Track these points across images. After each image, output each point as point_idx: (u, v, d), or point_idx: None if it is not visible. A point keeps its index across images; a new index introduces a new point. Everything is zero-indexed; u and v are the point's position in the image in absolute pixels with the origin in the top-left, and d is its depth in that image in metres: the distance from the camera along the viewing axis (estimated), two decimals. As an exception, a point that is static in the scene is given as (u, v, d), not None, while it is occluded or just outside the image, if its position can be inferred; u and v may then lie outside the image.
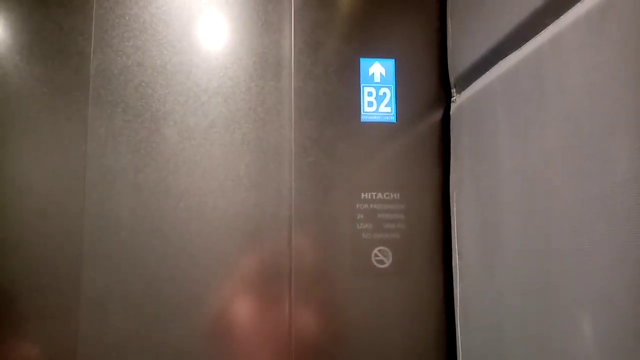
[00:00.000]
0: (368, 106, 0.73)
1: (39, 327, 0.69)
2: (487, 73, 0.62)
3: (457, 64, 0.71)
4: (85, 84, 0.73)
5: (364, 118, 0.73)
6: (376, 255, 0.71)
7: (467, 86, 0.68)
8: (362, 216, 0.72)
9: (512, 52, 0.56)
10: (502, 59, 0.58)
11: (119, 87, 0.74)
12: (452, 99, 0.73)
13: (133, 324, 0.70)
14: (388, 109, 0.74)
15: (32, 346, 0.69)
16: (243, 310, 0.71)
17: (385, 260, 0.71)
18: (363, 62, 0.74)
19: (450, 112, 0.73)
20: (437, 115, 0.74)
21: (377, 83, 0.74)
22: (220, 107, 0.75)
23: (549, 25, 0.48)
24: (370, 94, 0.74)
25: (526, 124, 0.52)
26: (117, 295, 0.70)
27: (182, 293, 0.70)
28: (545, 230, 0.48)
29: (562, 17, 0.46)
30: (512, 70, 0.55)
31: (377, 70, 0.74)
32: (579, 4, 0.43)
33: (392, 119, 0.74)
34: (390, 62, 0.74)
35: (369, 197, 0.72)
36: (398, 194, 0.72)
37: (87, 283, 0.70)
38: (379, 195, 0.72)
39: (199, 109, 0.74)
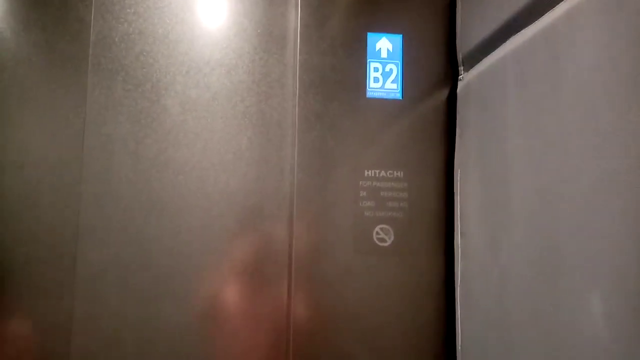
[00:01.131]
0: (374, 82, 0.72)
1: (33, 301, 0.68)
2: (498, 50, 0.61)
3: (466, 41, 0.69)
4: (85, 52, 0.72)
5: (369, 94, 0.72)
6: (378, 233, 0.70)
7: (476, 64, 0.67)
8: (365, 194, 0.71)
9: (524, 28, 0.55)
10: (513, 35, 0.57)
11: (120, 56, 0.72)
12: (459, 77, 0.72)
13: (129, 299, 0.69)
14: (394, 86, 0.72)
15: (26, 321, 0.68)
16: (242, 287, 0.70)
17: (387, 239, 0.70)
18: (370, 37, 0.73)
19: (457, 90, 0.72)
20: (444, 93, 0.73)
21: (383, 59, 0.73)
22: (222, 79, 0.73)
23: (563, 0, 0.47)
24: (376, 69, 0.72)
25: (538, 100, 0.51)
26: (113, 269, 0.69)
27: (179, 269, 0.70)
28: (554, 209, 0.48)
29: (581, -12, 0.44)
30: (525, 47, 0.54)
31: (384, 46, 0.73)
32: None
33: (398, 95, 0.72)
34: (398, 38, 0.73)
35: (373, 174, 0.71)
36: (402, 172, 0.71)
37: (83, 256, 0.69)
38: (383, 173, 0.71)
39: (201, 80, 0.73)
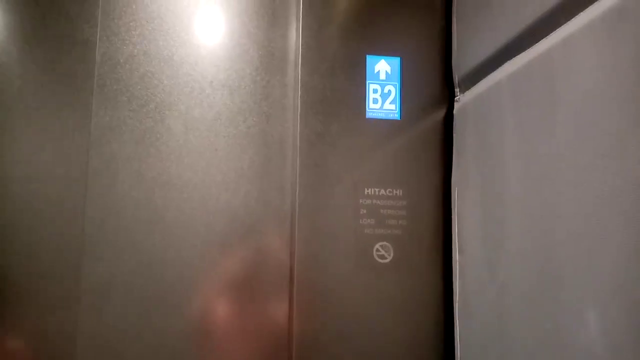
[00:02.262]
0: (373, 103, 0.74)
1: (38, 315, 0.68)
2: (494, 73, 0.63)
3: (462, 63, 0.72)
4: (91, 72, 0.73)
5: (369, 114, 0.74)
6: (378, 250, 0.72)
7: (472, 86, 0.70)
8: (365, 211, 0.72)
9: (521, 53, 0.57)
10: (510, 59, 0.59)
11: (125, 76, 0.74)
12: (455, 98, 0.74)
13: (133, 315, 0.69)
14: (392, 106, 0.75)
15: (31, 335, 0.68)
16: (243, 303, 0.71)
17: (387, 256, 0.72)
18: (369, 59, 0.75)
19: (454, 111, 0.74)
20: (441, 113, 0.75)
21: (382, 80, 0.75)
22: (225, 100, 0.75)
23: (562, 25, 0.49)
24: (375, 90, 0.75)
25: (534, 123, 0.53)
26: (118, 286, 0.70)
27: (182, 284, 0.70)
28: (551, 227, 0.50)
29: (575, 18, 0.47)
30: (522, 70, 0.56)
31: (383, 68, 0.75)
32: (595, 4, 0.44)
33: (397, 116, 0.74)
34: (396, 60, 0.75)
35: (372, 192, 0.73)
36: (401, 191, 0.73)
37: (87, 272, 0.69)
38: (382, 191, 0.73)
39: (204, 100, 0.75)
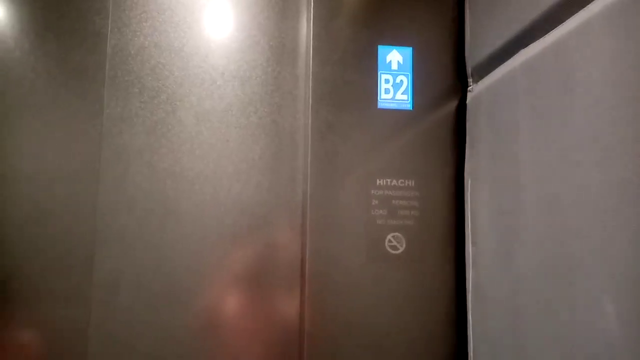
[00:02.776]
0: (385, 93, 0.74)
1: (50, 307, 0.69)
2: (508, 62, 0.63)
3: (475, 52, 0.71)
4: (102, 64, 0.73)
5: (380, 105, 0.74)
6: (390, 241, 0.72)
7: (485, 75, 0.69)
8: (377, 202, 0.72)
9: (534, 41, 0.57)
10: (524, 47, 0.59)
11: (136, 68, 0.74)
12: (468, 88, 0.74)
13: (145, 306, 0.70)
14: (404, 97, 0.74)
15: (43, 329, 0.69)
16: (254, 294, 0.71)
17: (399, 246, 0.72)
18: (381, 49, 0.74)
19: (467, 101, 0.74)
20: (453, 103, 0.75)
21: (394, 70, 0.74)
22: (236, 91, 0.75)
23: (576, 13, 0.49)
24: (387, 81, 0.74)
25: (549, 112, 0.52)
26: (129, 277, 0.70)
27: (193, 277, 0.71)
28: (567, 216, 0.49)
29: (591, 3, 0.46)
30: (536, 58, 0.55)
31: (395, 58, 0.74)
32: (612, -11, 0.43)
33: (409, 106, 0.74)
34: (408, 50, 0.75)
35: (384, 183, 0.72)
36: (413, 181, 0.73)
37: (99, 264, 0.70)
38: (394, 181, 0.73)
39: (215, 92, 0.74)
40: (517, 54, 0.60)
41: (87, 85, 0.73)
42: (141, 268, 0.70)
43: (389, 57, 0.74)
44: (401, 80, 0.74)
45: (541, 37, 0.55)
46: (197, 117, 0.74)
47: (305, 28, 0.76)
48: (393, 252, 0.72)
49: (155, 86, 0.74)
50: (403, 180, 0.73)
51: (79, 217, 0.70)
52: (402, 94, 0.74)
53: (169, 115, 0.73)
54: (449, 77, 0.75)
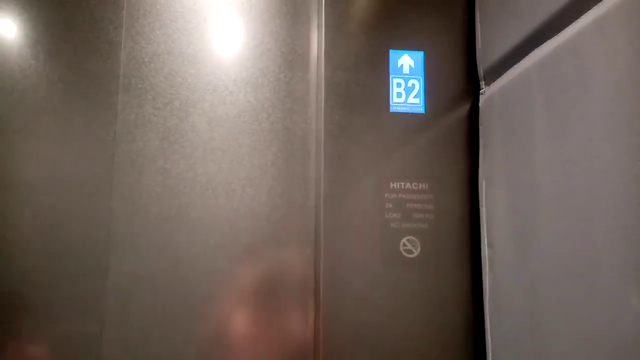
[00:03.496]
0: (397, 97, 0.74)
1: (65, 311, 0.69)
2: (521, 62, 0.63)
3: (487, 55, 0.71)
4: (116, 72, 0.74)
5: (392, 108, 0.74)
6: (405, 245, 0.71)
7: (498, 77, 0.69)
8: (390, 205, 0.72)
9: (549, 39, 0.57)
10: (537, 46, 0.59)
11: (149, 75, 0.74)
12: (480, 91, 0.74)
13: (158, 311, 0.69)
14: (417, 100, 0.74)
15: (58, 332, 0.68)
16: (268, 299, 0.71)
17: (414, 250, 0.71)
18: (392, 53, 0.75)
19: (479, 104, 0.73)
20: (465, 106, 0.75)
21: (406, 74, 0.75)
22: (248, 97, 0.75)
23: (591, 8, 0.49)
24: (399, 85, 0.74)
25: (567, 108, 0.52)
26: (143, 282, 0.70)
27: (207, 280, 0.70)
28: (587, 212, 0.48)
29: (607, -2, 0.46)
30: (551, 56, 0.55)
31: (406, 62, 0.75)
32: (629, -19, 0.43)
33: (421, 110, 0.74)
34: (419, 55, 0.75)
35: (398, 186, 0.72)
36: (427, 184, 0.73)
37: (114, 269, 0.70)
38: (408, 185, 0.72)
39: (227, 98, 0.75)
40: (530, 54, 0.60)
41: (101, 92, 0.74)
42: (155, 272, 0.70)
43: (400, 61, 0.75)
44: (413, 84, 0.74)
45: (555, 35, 0.55)
46: (210, 123, 0.74)
47: (317, 34, 0.76)
48: (408, 255, 0.71)
49: (168, 93, 0.74)
50: (417, 184, 0.72)
51: (93, 222, 0.71)
52: (414, 97, 0.74)
53: (182, 121, 0.74)
54: (461, 80, 0.75)
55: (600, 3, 0.48)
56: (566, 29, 0.53)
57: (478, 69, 0.74)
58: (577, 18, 0.51)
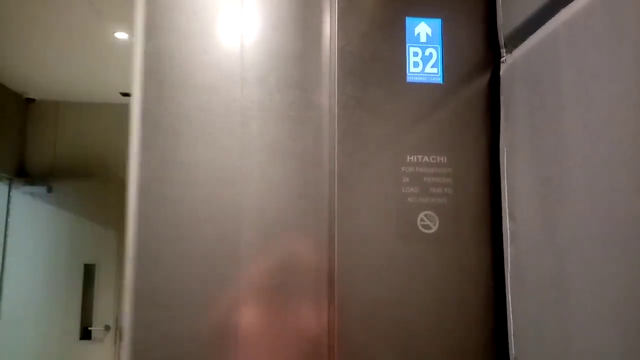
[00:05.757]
0: (414, 66, 0.71)
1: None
2: (546, 25, 0.59)
3: (509, 20, 0.68)
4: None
5: (409, 78, 0.71)
6: (422, 220, 0.68)
7: (519, 43, 0.66)
8: (407, 179, 0.69)
9: (577, -2, 0.53)
10: (565, 5, 0.55)
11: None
12: (501, 59, 0.71)
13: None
14: (434, 70, 0.71)
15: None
16: (282, 276, 0.69)
17: (432, 226, 0.68)
18: (409, 21, 0.72)
19: (500, 73, 0.70)
20: (485, 75, 0.71)
21: (423, 43, 0.71)
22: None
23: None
24: (416, 54, 0.71)
25: (597, 70, 0.49)
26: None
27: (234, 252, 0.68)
28: (619, 176, 0.46)
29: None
30: (581, 15, 0.52)
31: (423, 30, 0.72)
32: None
33: (439, 79, 0.71)
34: (437, 22, 0.72)
35: (415, 160, 0.69)
36: (445, 157, 0.70)
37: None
38: (425, 158, 0.69)
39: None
40: (557, 14, 0.57)
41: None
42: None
43: (417, 29, 0.72)
44: (430, 53, 0.71)
45: (585, -9, 0.52)
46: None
47: (329, 1, 0.73)
48: (426, 231, 0.68)
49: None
50: (435, 157, 0.70)
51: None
52: (431, 67, 0.71)
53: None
54: (481, 49, 0.72)
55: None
56: (598, -18, 0.50)
57: (499, 36, 0.70)
58: (611, -30, 0.48)
